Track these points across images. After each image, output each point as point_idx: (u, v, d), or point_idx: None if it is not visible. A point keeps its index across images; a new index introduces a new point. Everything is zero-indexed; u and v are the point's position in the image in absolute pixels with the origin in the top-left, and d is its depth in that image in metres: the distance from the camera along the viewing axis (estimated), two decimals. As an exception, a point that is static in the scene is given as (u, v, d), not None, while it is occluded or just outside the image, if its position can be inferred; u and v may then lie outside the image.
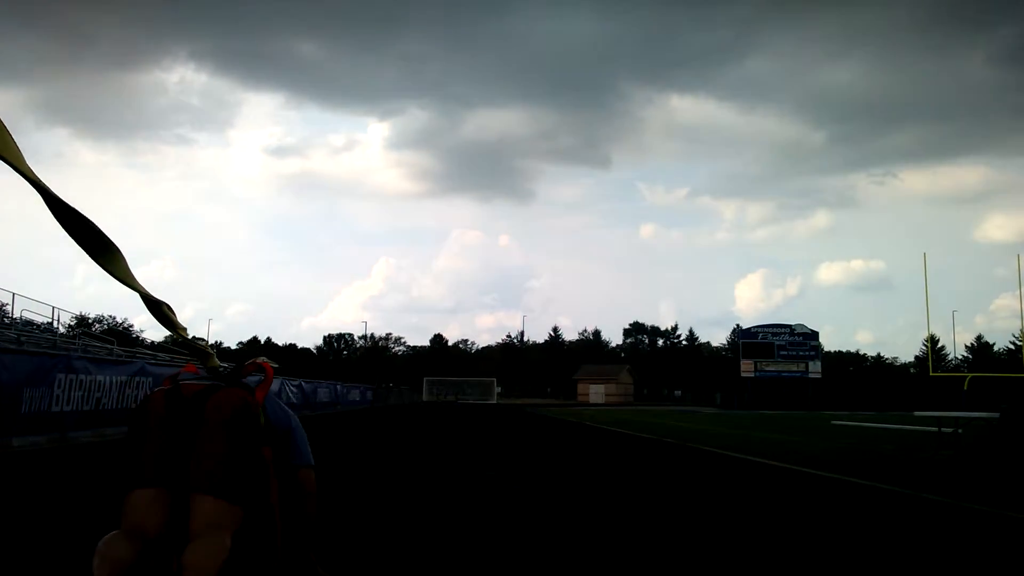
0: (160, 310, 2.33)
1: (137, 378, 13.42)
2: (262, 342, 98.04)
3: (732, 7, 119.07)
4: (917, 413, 17.82)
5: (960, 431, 13.02)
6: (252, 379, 2.69)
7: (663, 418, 30.61)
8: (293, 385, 28.80)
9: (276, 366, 2.82)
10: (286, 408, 2.83)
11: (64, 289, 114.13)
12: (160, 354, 24.57)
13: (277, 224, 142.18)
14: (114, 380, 12.69)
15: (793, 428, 22.05)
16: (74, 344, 17.28)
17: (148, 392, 2.40)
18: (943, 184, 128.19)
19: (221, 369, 2.66)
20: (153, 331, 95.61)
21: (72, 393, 11.35)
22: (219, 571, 2.26)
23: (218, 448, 2.37)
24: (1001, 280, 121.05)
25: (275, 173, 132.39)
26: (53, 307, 22.17)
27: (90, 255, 1.96)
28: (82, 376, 11.62)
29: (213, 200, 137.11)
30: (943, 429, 13.10)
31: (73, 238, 1.89)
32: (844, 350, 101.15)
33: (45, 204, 1.80)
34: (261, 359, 2.76)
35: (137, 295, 2.22)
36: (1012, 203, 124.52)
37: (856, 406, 52.36)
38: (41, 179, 1.75)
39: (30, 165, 1.71)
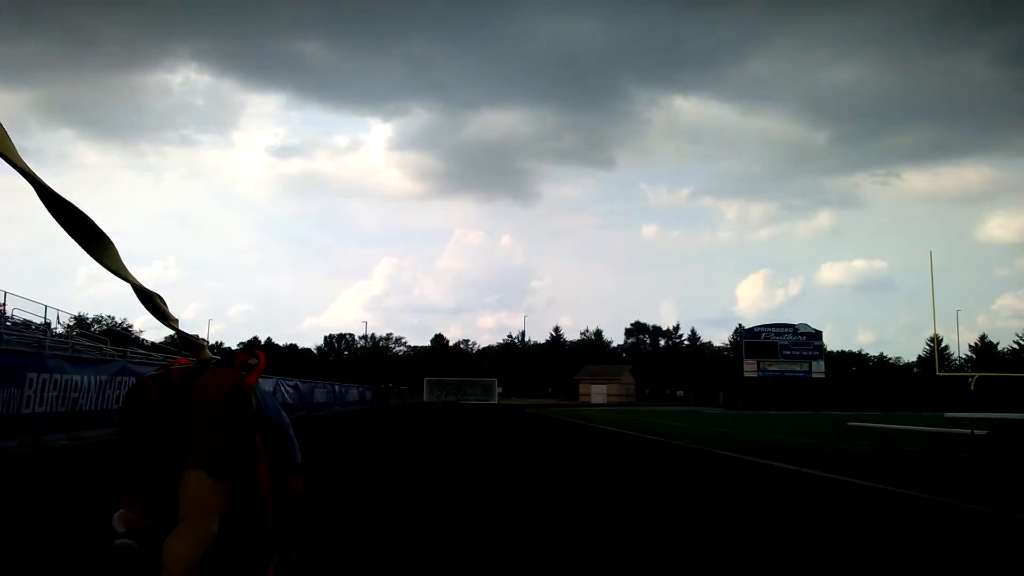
0: (152, 301, 2.33)
1: (118, 378, 12.68)
2: (263, 342, 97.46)
3: (735, 8, 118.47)
4: (947, 414, 17.24)
5: (977, 432, 12.42)
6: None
7: (670, 419, 29.91)
8: (289, 385, 28.12)
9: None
10: (278, 405, 2.88)
11: (65, 290, 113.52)
12: (154, 354, 23.88)
13: (279, 224, 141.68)
14: (93, 380, 11.95)
15: (808, 430, 21.36)
16: (66, 343, 16.55)
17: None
18: (945, 184, 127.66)
19: (213, 361, 2.64)
20: (153, 332, 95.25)
21: (46, 394, 10.61)
22: (200, 559, 2.22)
23: (205, 426, 2.36)
24: (1003, 280, 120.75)
25: (278, 173, 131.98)
26: (46, 306, 21.53)
27: (82, 246, 1.97)
28: (56, 376, 10.87)
29: (216, 201, 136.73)
30: (976, 432, 12.41)
31: (65, 229, 1.92)
32: (846, 350, 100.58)
33: (38, 196, 1.84)
34: (256, 349, 2.76)
35: (130, 286, 2.25)
36: (1014, 203, 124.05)
37: (861, 406, 51.83)
38: (35, 172, 1.79)
39: (32, 165, 1.77)
